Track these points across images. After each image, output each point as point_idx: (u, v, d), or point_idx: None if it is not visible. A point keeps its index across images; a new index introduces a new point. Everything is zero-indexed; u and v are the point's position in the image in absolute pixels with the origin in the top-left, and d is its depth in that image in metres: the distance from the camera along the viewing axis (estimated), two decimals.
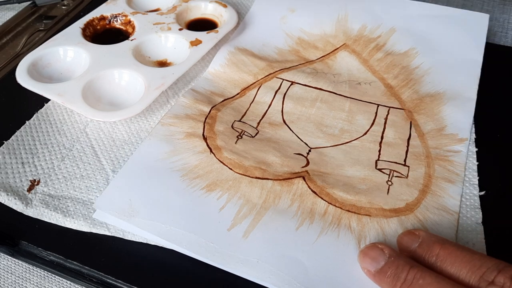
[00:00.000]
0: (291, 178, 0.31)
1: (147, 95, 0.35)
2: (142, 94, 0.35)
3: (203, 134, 0.34)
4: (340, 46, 0.42)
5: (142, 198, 0.30)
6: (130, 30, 0.43)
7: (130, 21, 0.43)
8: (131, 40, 0.40)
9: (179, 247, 0.27)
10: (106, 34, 0.43)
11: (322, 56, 0.41)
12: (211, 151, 0.33)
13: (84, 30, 0.42)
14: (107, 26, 0.44)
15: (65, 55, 0.40)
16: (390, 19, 0.43)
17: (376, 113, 0.36)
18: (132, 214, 0.29)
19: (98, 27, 0.43)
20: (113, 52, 0.39)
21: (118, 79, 0.38)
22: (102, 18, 0.43)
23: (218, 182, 0.31)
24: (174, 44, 0.41)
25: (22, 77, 0.36)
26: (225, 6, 0.44)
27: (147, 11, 0.45)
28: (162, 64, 0.40)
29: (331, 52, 0.42)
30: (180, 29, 0.41)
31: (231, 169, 0.32)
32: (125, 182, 0.31)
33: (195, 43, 0.40)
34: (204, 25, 0.44)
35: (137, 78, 0.37)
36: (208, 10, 0.45)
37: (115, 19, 0.43)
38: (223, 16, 0.44)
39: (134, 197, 0.30)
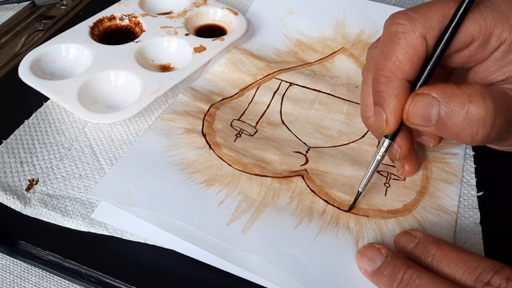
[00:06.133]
0: (290, 177, 0.31)
1: (141, 100, 0.35)
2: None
3: (202, 131, 0.34)
4: (338, 50, 0.42)
5: (141, 188, 0.30)
6: (138, 31, 0.43)
7: (139, 23, 0.43)
8: (136, 42, 0.40)
9: (178, 238, 0.27)
10: (115, 34, 0.43)
11: (321, 59, 0.42)
12: (210, 147, 0.33)
13: (93, 29, 0.42)
14: (116, 26, 0.44)
15: (68, 52, 0.40)
16: None
17: None
18: (130, 203, 0.29)
19: (107, 26, 0.43)
20: (115, 53, 0.39)
21: (115, 80, 0.38)
22: (112, 17, 0.44)
23: (217, 177, 0.31)
24: (178, 49, 0.41)
25: (24, 72, 0.36)
26: (236, 13, 0.44)
27: (159, 14, 0.45)
28: (165, 68, 0.40)
29: (329, 55, 0.42)
30: (187, 34, 0.41)
31: (230, 165, 0.32)
32: (123, 173, 0.31)
33: (199, 49, 0.40)
34: (213, 31, 0.44)
35: (134, 81, 0.37)
36: (217, 16, 0.45)
37: (124, 20, 0.44)
38: (233, 24, 0.44)
39: (133, 187, 0.30)
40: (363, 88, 0.29)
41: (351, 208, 0.29)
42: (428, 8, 0.24)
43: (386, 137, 0.27)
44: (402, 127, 0.26)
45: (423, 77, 0.25)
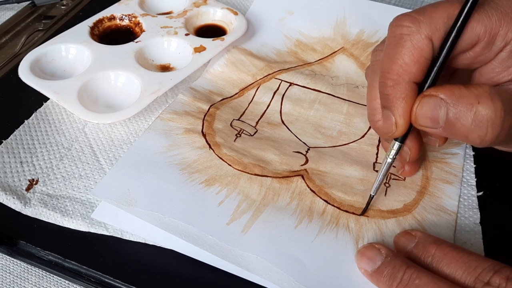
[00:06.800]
0: (290, 177, 0.31)
1: (141, 100, 0.35)
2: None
3: (202, 131, 0.34)
4: (338, 50, 0.42)
5: (141, 188, 0.30)
6: (138, 31, 0.43)
7: (139, 23, 0.43)
8: (136, 42, 0.40)
9: (178, 238, 0.27)
10: (115, 34, 0.43)
11: (321, 59, 0.42)
12: (210, 147, 0.33)
13: (93, 29, 0.42)
14: (116, 26, 0.44)
15: (68, 52, 0.40)
16: (388, 26, 0.44)
17: None
18: (130, 203, 0.29)
19: (107, 26, 0.43)
20: (115, 53, 0.39)
21: (115, 80, 0.38)
22: (112, 17, 0.44)
23: (217, 177, 0.31)
24: (178, 49, 0.41)
25: (24, 72, 0.36)
26: (235, 13, 0.44)
27: (159, 14, 0.45)
28: (165, 68, 0.40)
29: (329, 55, 0.42)
30: (187, 34, 0.41)
31: (230, 165, 0.32)
32: (123, 173, 0.31)
33: (199, 49, 0.40)
34: (213, 31, 0.44)
35: (135, 81, 0.37)
36: (217, 16, 0.45)
37: (124, 20, 0.44)
38: (233, 24, 0.44)
39: (133, 187, 0.30)
40: (369, 92, 0.28)
41: (363, 212, 0.29)
42: (433, 9, 0.24)
43: (396, 140, 0.27)
44: (411, 129, 0.26)
45: (430, 78, 0.24)
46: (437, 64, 0.24)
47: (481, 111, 0.22)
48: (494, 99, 0.22)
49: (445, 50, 0.24)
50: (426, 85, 0.25)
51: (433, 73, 0.24)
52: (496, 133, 0.23)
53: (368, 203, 0.29)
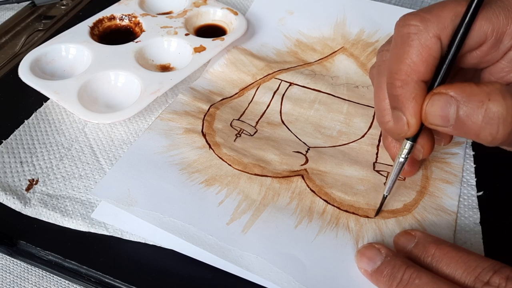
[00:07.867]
0: (290, 176, 0.31)
1: (141, 100, 0.35)
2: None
3: (202, 131, 0.34)
4: (338, 49, 0.42)
5: (141, 188, 0.30)
6: (138, 31, 0.43)
7: (139, 23, 0.43)
8: (136, 42, 0.40)
9: (178, 238, 0.27)
10: (115, 34, 0.43)
11: (321, 59, 0.42)
12: (210, 147, 0.33)
13: (93, 29, 0.42)
14: (116, 26, 0.44)
15: (68, 52, 0.40)
16: (388, 25, 0.44)
17: (374, 116, 0.36)
18: (130, 203, 0.29)
19: (107, 26, 0.43)
20: (115, 53, 0.39)
21: (115, 80, 0.38)
22: (112, 17, 0.44)
23: (217, 177, 0.31)
24: (178, 49, 0.41)
25: (24, 72, 0.36)
26: (235, 13, 0.44)
27: (159, 14, 0.45)
28: (165, 68, 0.40)
29: (329, 55, 0.42)
30: (187, 34, 0.41)
31: (230, 165, 0.32)
32: (123, 173, 0.31)
33: (199, 49, 0.40)
34: (213, 31, 0.44)
35: (134, 81, 0.37)
36: (217, 16, 0.45)
37: (124, 19, 0.44)
38: (233, 24, 0.44)
39: (133, 187, 0.30)
40: (377, 93, 0.28)
41: (377, 214, 0.29)
42: (440, 8, 0.24)
43: (407, 139, 0.27)
44: (423, 127, 0.26)
45: (439, 76, 0.24)
46: (446, 62, 0.24)
47: (492, 108, 0.22)
48: (506, 96, 0.22)
49: (454, 47, 0.23)
50: (436, 83, 0.24)
51: (442, 71, 0.24)
52: (508, 130, 0.22)
53: (381, 204, 0.29)
